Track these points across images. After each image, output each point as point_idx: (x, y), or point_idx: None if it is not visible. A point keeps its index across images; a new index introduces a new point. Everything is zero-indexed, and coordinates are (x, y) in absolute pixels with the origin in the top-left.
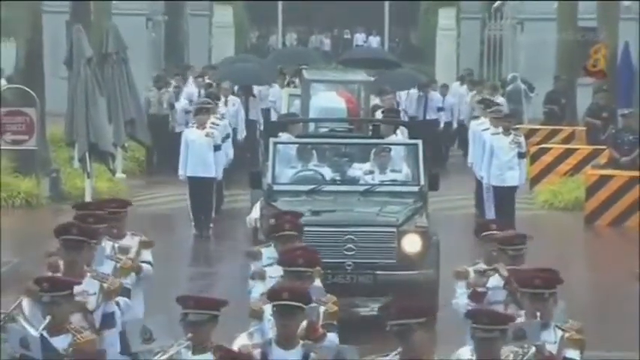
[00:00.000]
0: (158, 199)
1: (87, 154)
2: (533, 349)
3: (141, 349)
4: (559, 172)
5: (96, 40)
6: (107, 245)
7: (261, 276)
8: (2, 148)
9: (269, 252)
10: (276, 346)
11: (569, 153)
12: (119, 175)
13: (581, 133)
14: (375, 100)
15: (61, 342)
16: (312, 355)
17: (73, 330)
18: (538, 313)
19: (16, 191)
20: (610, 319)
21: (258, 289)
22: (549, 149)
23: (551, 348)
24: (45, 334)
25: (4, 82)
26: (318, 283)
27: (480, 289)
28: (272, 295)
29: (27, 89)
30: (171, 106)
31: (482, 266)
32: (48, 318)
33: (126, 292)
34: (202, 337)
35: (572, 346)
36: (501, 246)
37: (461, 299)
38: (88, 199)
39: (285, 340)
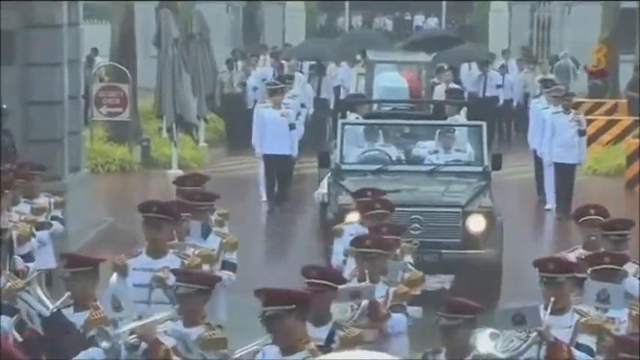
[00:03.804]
0: (236, 165)
1: (174, 125)
2: (535, 334)
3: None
4: (602, 142)
5: (182, 22)
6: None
7: (352, 254)
8: (99, 119)
9: (351, 229)
10: (308, 323)
11: (611, 124)
12: (202, 144)
13: (622, 106)
14: (435, 78)
15: (81, 318)
16: (340, 332)
17: (93, 307)
18: (552, 298)
19: (111, 158)
20: None
21: (350, 267)
22: (593, 120)
23: (566, 333)
24: (71, 309)
25: (100, 59)
26: (408, 259)
27: (580, 276)
28: (303, 272)
29: (121, 67)
30: (244, 85)
31: (580, 252)
32: (67, 294)
33: (231, 267)
34: (191, 310)
35: (586, 331)
36: (604, 231)
37: None
38: (174, 165)
39: (316, 317)
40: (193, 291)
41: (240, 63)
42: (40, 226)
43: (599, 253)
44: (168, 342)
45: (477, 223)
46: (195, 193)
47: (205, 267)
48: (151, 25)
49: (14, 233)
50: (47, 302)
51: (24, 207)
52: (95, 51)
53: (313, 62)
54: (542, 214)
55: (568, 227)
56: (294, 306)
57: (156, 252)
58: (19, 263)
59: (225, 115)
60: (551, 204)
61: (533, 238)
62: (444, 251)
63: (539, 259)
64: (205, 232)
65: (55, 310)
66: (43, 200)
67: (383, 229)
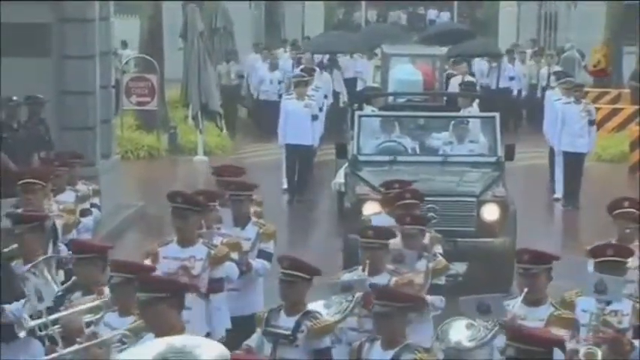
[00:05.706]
0: (251, 153)
1: (199, 114)
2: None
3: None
4: (606, 129)
5: (207, 17)
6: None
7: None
8: (129, 108)
9: (378, 220)
10: (282, 312)
11: (615, 112)
12: (225, 131)
13: (626, 95)
14: (449, 70)
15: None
16: (307, 322)
17: (97, 292)
18: (525, 289)
19: (140, 145)
20: None
21: None
22: (598, 109)
23: (539, 325)
24: (79, 294)
25: (129, 52)
26: (438, 249)
27: None
28: (278, 261)
29: (149, 58)
30: (241, 77)
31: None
32: (73, 279)
33: (267, 256)
34: (124, 300)
35: (559, 324)
36: (637, 224)
37: None
38: (200, 152)
39: (289, 307)
40: (124, 280)
41: (252, 56)
42: (83, 214)
43: (603, 245)
44: (106, 332)
45: (491, 212)
46: (230, 182)
47: (234, 255)
48: (177, 20)
49: (58, 222)
50: (53, 285)
51: (69, 194)
52: (125, 44)
53: (328, 55)
54: (551, 201)
55: (578, 215)
56: (165, 294)
57: (184, 241)
58: (64, 251)
59: (223, 106)
60: (559, 193)
61: (542, 225)
62: (458, 239)
63: (517, 250)
64: (244, 222)
65: (59, 293)
66: (83, 187)
67: (407, 219)
